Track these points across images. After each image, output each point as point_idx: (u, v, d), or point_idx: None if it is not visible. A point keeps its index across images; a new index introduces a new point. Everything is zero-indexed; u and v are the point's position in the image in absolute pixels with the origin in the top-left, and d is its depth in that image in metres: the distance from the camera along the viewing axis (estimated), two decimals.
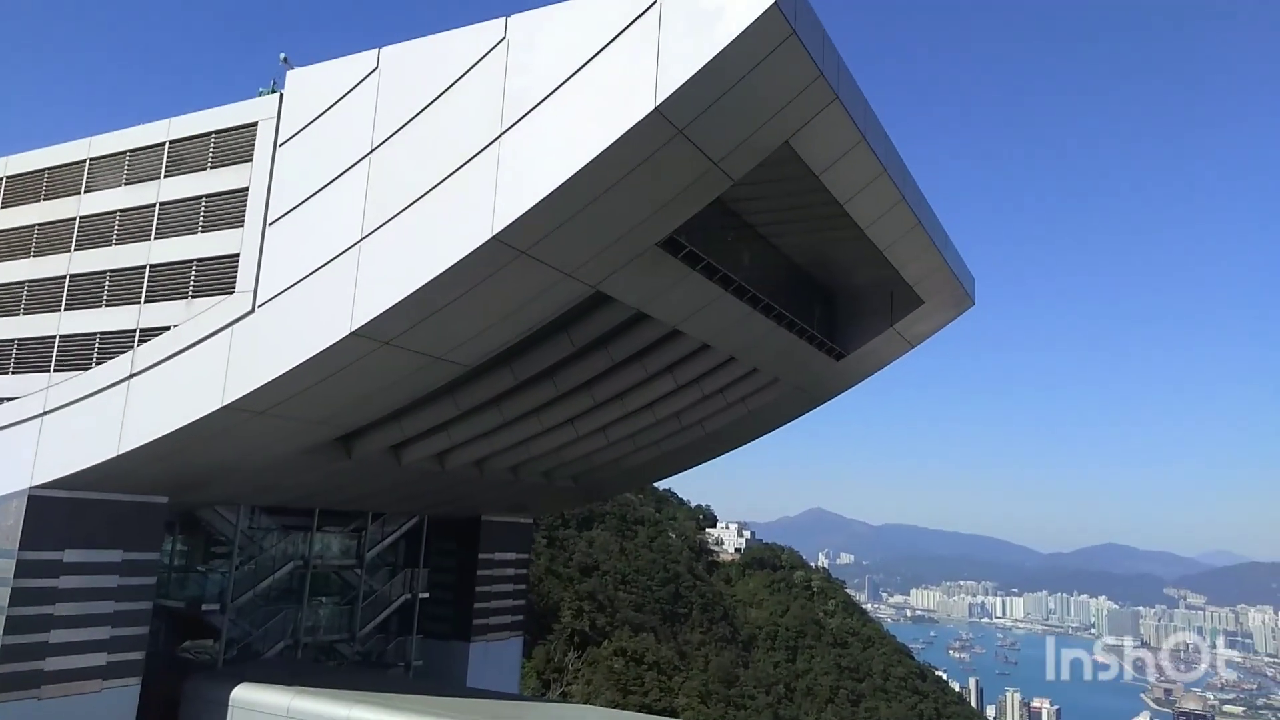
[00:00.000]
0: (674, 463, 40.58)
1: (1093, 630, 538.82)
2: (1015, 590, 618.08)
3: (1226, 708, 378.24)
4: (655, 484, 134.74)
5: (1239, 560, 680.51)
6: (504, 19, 17.96)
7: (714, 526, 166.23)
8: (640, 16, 15.98)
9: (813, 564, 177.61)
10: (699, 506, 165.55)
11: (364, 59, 20.47)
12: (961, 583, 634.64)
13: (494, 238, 17.12)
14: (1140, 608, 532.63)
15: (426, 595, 41.71)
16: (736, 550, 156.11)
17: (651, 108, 15.49)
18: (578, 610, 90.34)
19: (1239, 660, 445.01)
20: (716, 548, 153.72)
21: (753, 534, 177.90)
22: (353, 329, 18.87)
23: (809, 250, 29.32)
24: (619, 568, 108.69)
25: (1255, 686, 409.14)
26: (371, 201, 19.23)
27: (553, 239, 18.12)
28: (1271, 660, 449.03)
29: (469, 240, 17.36)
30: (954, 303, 32.69)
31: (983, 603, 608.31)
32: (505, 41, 17.76)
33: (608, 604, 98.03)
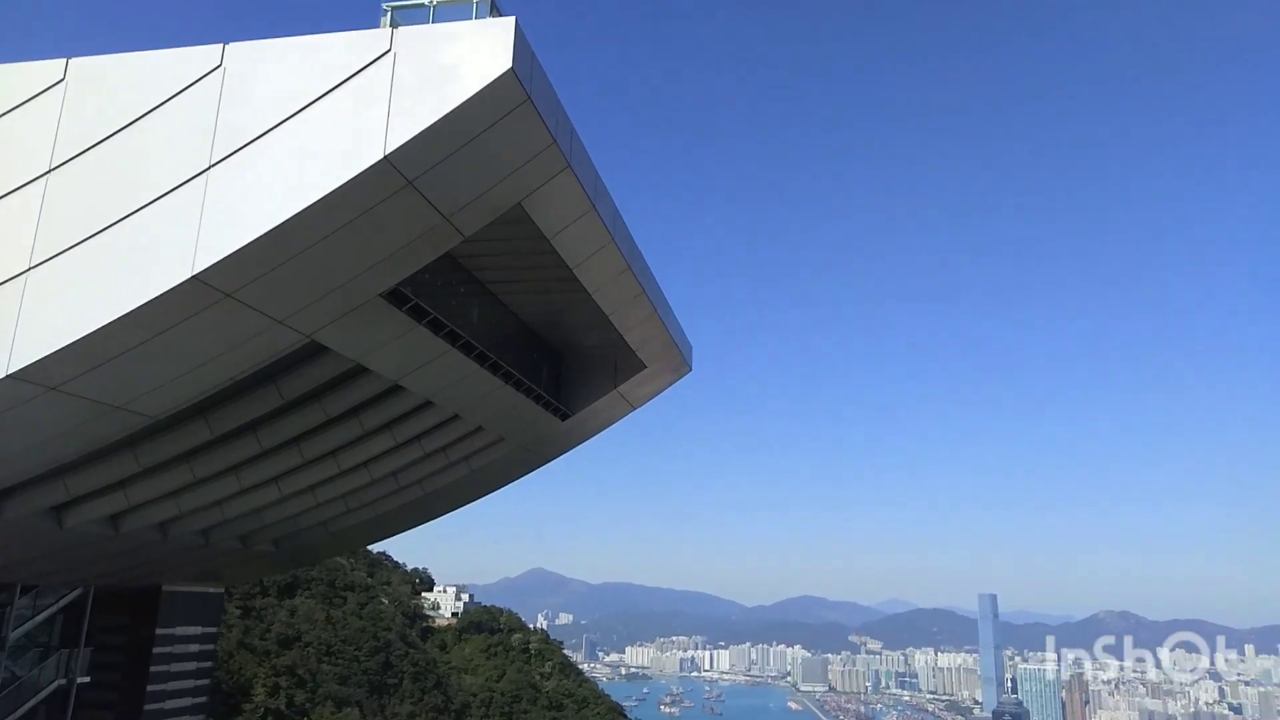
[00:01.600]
0: (390, 524, 38.88)
1: (789, 678, 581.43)
2: (722, 643, 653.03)
3: None
4: (369, 547, 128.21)
5: (909, 607, 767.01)
6: (221, 45, 16.79)
7: (431, 590, 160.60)
8: (373, 64, 15.61)
9: (532, 625, 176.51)
10: (416, 570, 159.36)
11: (47, 68, 18.19)
12: (674, 638, 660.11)
13: (194, 277, 15.67)
14: (829, 655, 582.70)
15: (87, 679, 36.41)
16: (454, 614, 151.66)
17: (381, 156, 15.08)
18: (273, 687, 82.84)
19: (907, 699, 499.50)
20: (432, 612, 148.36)
21: (472, 597, 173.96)
22: (10, 371, 16.34)
23: (538, 310, 29.75)
24: (324, 638, 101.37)
25: None
26: (45, 228, 16.92)
27: (263, 283, 16.93)
28: (933, 696, 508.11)
29: (164, 278, 15.75)
30: (673, 368, 34.56)
31: (693, 657, 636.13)
32: (221, 70, 16.57)
33: (309, 678, 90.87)
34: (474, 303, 26.52)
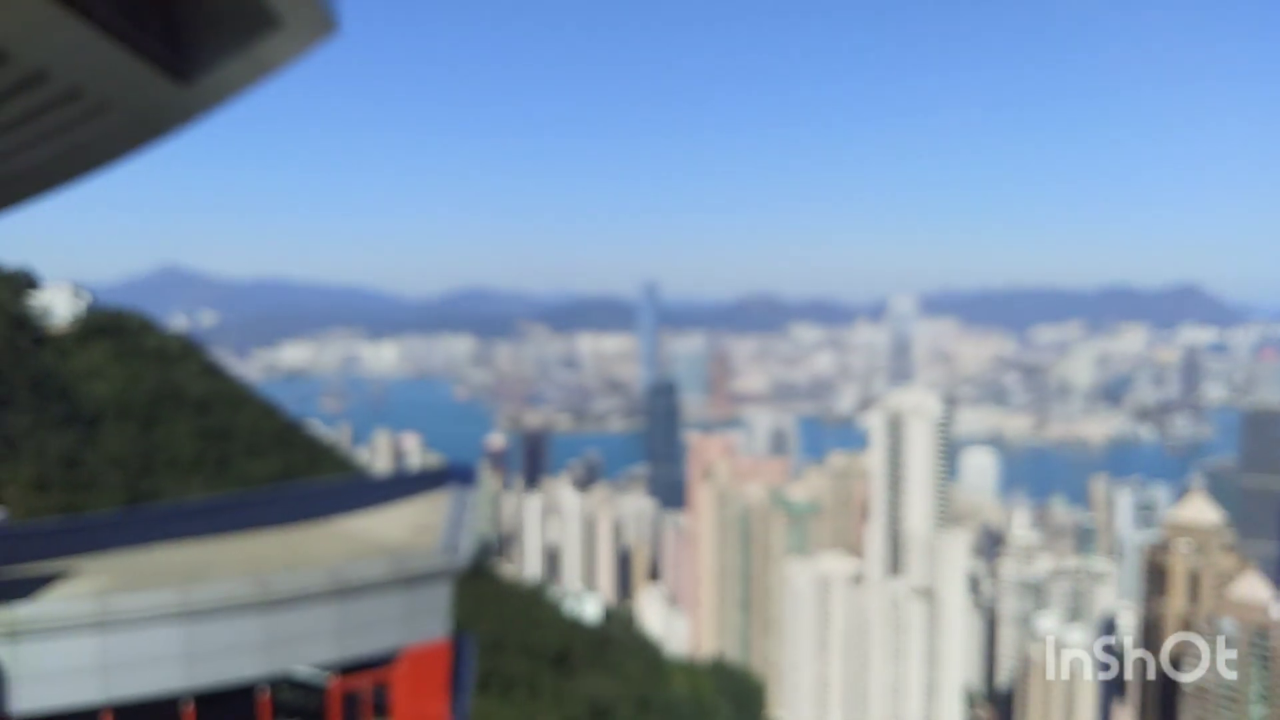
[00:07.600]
0: None
1: (456, 369, 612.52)
2: (386, 337, 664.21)
3: (560, 419, 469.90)
4: None
5: (575, 297, 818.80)
6: None
7: (38, 289, 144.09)
8: None
9: (171, 326, 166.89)
10: (18, 271, 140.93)
11: None
12: (333, 334, 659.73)
13: None
14: (498, 342, 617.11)
15: None
16: (75, 318, 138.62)
17: None
18: None
19: (572, 381, 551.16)
20: (44, 317, 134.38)
21: (95, 297, 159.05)
22: None
23: None
24: None
25: (582, 399, 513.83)
26: None
27: None
28: (596, 377, 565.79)
29: None
30: (314, 25, 31.58)
31: (355, 353, 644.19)
32: None
33: None
34: None
